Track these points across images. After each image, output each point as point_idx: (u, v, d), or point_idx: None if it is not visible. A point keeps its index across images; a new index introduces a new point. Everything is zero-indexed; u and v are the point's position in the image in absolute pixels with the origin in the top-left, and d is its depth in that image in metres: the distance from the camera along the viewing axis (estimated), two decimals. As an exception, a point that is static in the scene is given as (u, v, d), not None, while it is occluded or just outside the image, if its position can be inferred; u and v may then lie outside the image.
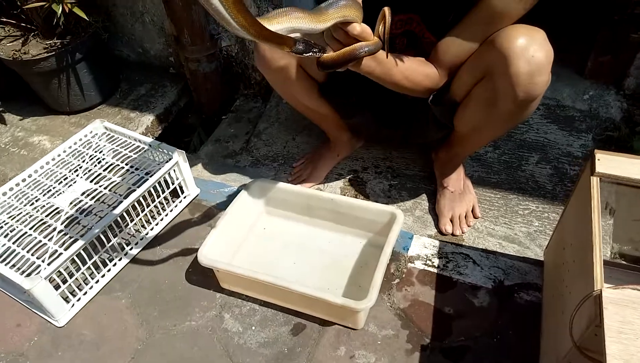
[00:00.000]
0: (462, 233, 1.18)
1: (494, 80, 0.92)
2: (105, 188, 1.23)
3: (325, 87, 1.13)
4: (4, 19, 1.56)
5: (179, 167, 1.25)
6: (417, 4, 0.99)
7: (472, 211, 1.22)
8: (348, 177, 1.36)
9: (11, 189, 1.21)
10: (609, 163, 0.81)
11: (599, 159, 0.81)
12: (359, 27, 0.77)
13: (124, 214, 1.14)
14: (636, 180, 0.78)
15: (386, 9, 0.82)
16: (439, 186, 1.25)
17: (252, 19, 0.63)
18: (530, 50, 0.86)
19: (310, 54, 0.74)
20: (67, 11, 1.34)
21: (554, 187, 1.26)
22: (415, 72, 0.99)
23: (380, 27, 0.83)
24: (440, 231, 1.20)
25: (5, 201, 1.19)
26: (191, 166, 1.43)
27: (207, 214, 1.30)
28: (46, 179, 1.25)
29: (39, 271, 1.00)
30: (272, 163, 1.44)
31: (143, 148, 1.31)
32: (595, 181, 0.80)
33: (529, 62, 0.86)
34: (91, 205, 1.19)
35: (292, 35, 0.73)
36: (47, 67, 1.50)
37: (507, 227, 1.18)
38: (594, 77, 1.45)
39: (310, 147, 1.46)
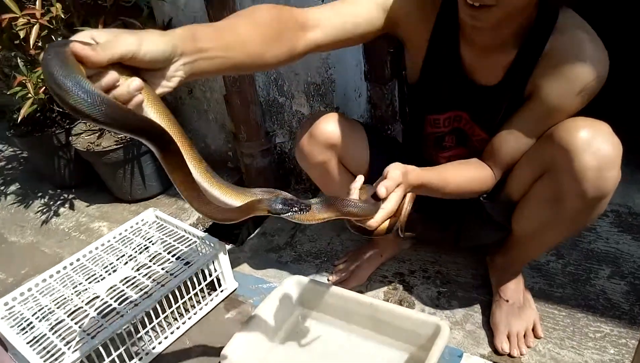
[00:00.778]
0: (521, 354, 1.03)
1: (557, 177, 0.86)
2: (144, 276, 1.23)
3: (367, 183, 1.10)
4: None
5: (218, 259, 1.23)
6: (466, 101, 0.97)
7: (533, 329, 1.07)
8: (393, 280, 1.27)
9: (58, 272, 1.24)
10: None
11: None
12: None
13: (157, 305, 1.12)
14: None
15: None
16: (494, 296, 1.13)
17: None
18: (596, 143, 0.80)
19: (290, 213, 0.70)
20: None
21: (632, 307, 1.08)
22: (468, 181, 0.96)
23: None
24: (495, 350, 1.05)
25: (50, 284, 1.23)
26: (234, 258, 1.41)
27: (242, 311, 1.25)
28: (92, 264, 1.29)
29: (62, 359, 0.98)
30: (314, 259, 1.39)
31: (189, 238, 1.32)
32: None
33: (595, 155, 0.79)
34: (127, 294, 1.19)
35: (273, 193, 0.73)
36: (114, 158, 1.62)
37: (575, 352, 1.01)
38: (672, 183, 1.31)
39: (355, 245, 1.40)
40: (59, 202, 1.85)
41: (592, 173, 0.80)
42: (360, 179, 0.84)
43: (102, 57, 0.51)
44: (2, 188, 2.02)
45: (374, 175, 1.08)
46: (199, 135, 1.94)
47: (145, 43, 0.55)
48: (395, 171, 0.82)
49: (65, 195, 1.89)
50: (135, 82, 0.53)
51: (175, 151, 0.60)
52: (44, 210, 1.82)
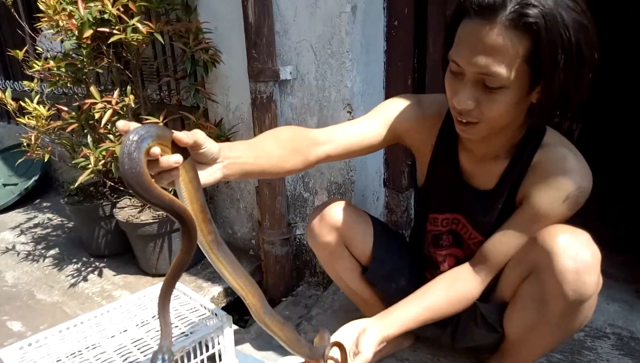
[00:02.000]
0: None
1: (541, 277, 0.91)
2: (152, 339, 1.29)
3: (368, 271, 1.18)
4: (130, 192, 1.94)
5: (222, 332, 1.29)
6: (464, 204, 1.08)
7: None
8: (390, 378, 1.26)
9: (75, 325, 1.32)
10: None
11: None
12: None
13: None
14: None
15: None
16: (489, 403, 1.11)
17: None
18: (574, 247, 0.87)
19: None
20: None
21: None
22: (452, 305, 1.02)
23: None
24: None
25: (65, 336, 1.30)
26: (238, 338, 1.46)
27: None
28: (108, 322, 1.36)
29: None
30: (316, 349, 1.41)
31: (200, 310, 1.40)
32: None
33: (574, 259, 0.86)
34: (134, 353, 1.25)
35: None
36: (148, 231, 1.78)
37: None
38: (677, 312, 1.30)
39: (358, 339, 1.42)
40: (89, 269, 1.99)
41: (571, 275, 0.86)
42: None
43: (189, 139, 0.69)
44: (43, 251, 2.19)
45: (375, 262, 1.17)
46: (228, 222, 2.09)
47: (209, 142, 0.74)
48: (368, 349, 0.94)
49: (97, 263, 2.03)
50: (177, 156, 0.67)
51: (191, 230, 0.72)
52: (75, 274, 1.95)
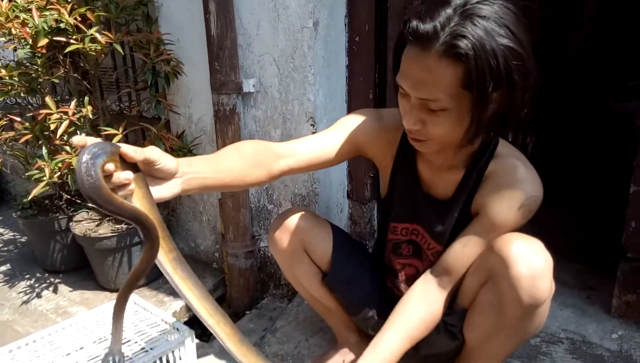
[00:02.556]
0: None
1: (498, 283, 0.95)
2: (110, 358, 1.25)
3: (328, 276, 1.19)
4: (90, 205, 1.89)
5: (184, 347, 1.27)
6: (422, 213, 1.11)
7: None
8: (354, 388, 1.28)
9: (27, 344, 1.27)
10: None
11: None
12: None
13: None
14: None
15: None
16: (451, 412, 1.14)
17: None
18: (528, 254, 0.91)
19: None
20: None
21: None
22: (425, 327, 1.05)
23: None
24: None
25: (16, 355, 1.25)
26: (202, 353, 1.43)
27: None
28: (63, 340, 1.32)
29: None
30: (280, 362, 1.41)
31: (162, 325, 1.37)
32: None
33: (528, 265, 0.90)
34: (91, 372, 1.21)
35: None
36: (107, 245, 1.73)
37: None
38: (622, 316, 1.38)
39: (322, 351, 1.43)
40: (43, 285, 1.91)
41: (526, 281, 0.90)
42: None
43: (138, 155, 0.73)
44: (-7, 267, 2.09)
45: (335, 267, 1.18)
46: (191, 235, 2.06)
47: (164, 158, 0.77)
48: None
49: (52, 279, 1.95)
50: (127, 173, 0.71)
51: (153, 237, 0.74)
52: (27, 291, 1.87)
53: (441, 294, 1.05)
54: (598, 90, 3.84)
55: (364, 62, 1.63)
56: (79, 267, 1.96)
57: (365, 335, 1.35)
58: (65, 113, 1.51)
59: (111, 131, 1.61)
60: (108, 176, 0.69)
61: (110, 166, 0.68)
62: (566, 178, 2.65)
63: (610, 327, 1.39)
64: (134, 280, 0.78)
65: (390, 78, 1.69)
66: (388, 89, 1.71)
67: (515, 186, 0.96)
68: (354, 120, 1.10)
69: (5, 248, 2.27)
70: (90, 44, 1.50)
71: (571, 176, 2.71)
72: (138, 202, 0.74)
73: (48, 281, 1.94)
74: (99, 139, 0.71)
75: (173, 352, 1.25)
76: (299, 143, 1.06)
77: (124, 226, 1.79)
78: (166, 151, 1.70)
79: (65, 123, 1.49)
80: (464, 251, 1.03)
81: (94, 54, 1.54)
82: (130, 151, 0.72)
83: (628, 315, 1.37)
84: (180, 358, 1.27)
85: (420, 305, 1.04)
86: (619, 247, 1.38)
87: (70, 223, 1.85)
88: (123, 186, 0.71)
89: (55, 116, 1.50)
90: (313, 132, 1.60)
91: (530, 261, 0.90)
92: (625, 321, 1.38)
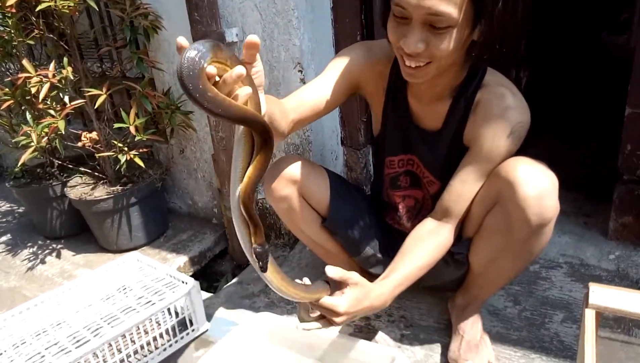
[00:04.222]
0: (476, 390, 1.06)
1: (505, 207, 0.96)
2: (121, 312, 1.28)
3: (327, 220, 1.20)
4: (83, 169, 1.87)
5: (191, 297, 1.29)
6: (415, 145, 1.11)
7: (488, 367, 1.11)
8: (359, 324, 1.31)
9: (35, 305, 1.29)
10: (604, 295, 0.76)
11: (593, 292, 0.77)
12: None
13: (127, 336, 1.16)
14: (631, 312, 0.72)
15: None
16: (454, 333, 1.18)
17: None
18: (535, 175, 0.92)
19: (253, 261, 0.77)
20: (129, 159, 1.60)
21: (582, 348, 1.13)
22: (432, 258, 1.04)
23: None
24: None
25: (26, 317, 1.27)
26: (209, 304, 1.46)
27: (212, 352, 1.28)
28: (70, 299, 1.34)
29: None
30: (286, 305, 1.44)
31: (167, 279, 1.38)
32: (589, 313, 0.75)
33: (535, 186, 0.91)
34: (103, 327, 1.23)
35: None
36: (104, 207, 1.73)
37: (527, 388, 1.05)
38: (619, 238, 1.41)
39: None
40: (46, 251, 1.92)
41: (533, 200, 0.91)
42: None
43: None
44: (-7, 238, 2.10)
45: (333, 210, 1.19)
46: (188, 193, 2.06)
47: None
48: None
49: (54, 245, 1.96)
50: (240, 68, 0.61)
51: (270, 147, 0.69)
52: (31, 258, 1.88)
53: (448, 229, 1.06)
54: (591, 23, 3.77)
55: (350, 4, 1.58)
56: (79, 232, 1.97)
57: (367, 275, 1.37)
58: (45, 76, 1.46)
59: (95, 91, 1.57)
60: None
61: (212, 70, 0.59)
62: (560, 109, 2.64)
63: (607, 249, 1.43)
64: (253, 189, 0.71)
65: (377, 18, 1.64)
66: (376, 30, 1.66)
67: (503, 114, 0.96)
68: (345, 57, 1.08)
69: (4, 219, 2.27)
70: (61, 2, 1.43)
71: (565, 108, 2.70)
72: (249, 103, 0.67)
73: (50, 247, 1.95)
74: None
75: (179, 303, 1.27)
76: (301, 93, 1.06)
77: (119, 188, 1.78)
78: (153, 109, 1.67)
79: (46, 86, 1.45)
80: (463, 188, 1.03)
81: (67, 11, 1.47)
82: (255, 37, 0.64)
83: (624, 237, 1.40)
84: (188, 309, 1.30)
85: (428, 239, 1.05)
86: (613, 175, 1.39)
87: (65, 189, 1.83)
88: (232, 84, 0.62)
89: (35, 79, 1.45)
90: (301, 79, 1.57)
91: (537, 182, 0.92)
92: (622, 242, 1.42)
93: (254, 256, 0.75)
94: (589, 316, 0.74)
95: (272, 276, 0.84)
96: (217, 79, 0.62)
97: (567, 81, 3.01)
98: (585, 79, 3.12)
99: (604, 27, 4.26)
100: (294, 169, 1.13)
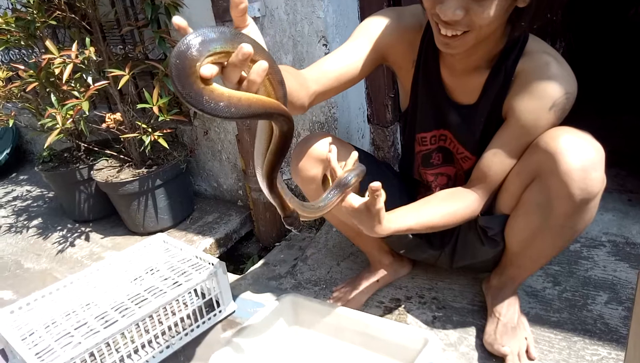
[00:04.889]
0: (515, 373, 1.01)
1: (545, 181, 0.89)
2: (148, 293, 1.27)
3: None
4: (109, 152, 1.87)
5: (217, 278, 1.27)
6: (448, 120, 1.04)
7: (527, 351, 1.05)
8: (389, 306, 1.27)
9: (65, 286, 1.30)
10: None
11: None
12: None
13: (154, 317, 1.15)
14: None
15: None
16: (489, 315, 1.12)
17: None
18: (579, 145, 0.85)
19: (291, 229, 0.83)
20: (153, 140, 1.58)
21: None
22: (452, 214, 0.98)
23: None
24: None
25: (56, 297, 1.28)
26: (235, 285, 1.45)
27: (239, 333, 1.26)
28: (99, 280, 1.34)
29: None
30: (313, 287, 1.41)
31: (192, 260, 1.37)
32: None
33: (579, 157, 0.84)
34: (130, 307, 1.23)
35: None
36: (130, 189, 1.72)
37: (570, 372, 0.99)
38: (668, 214, 1.32)
39: (354, 273, 1.42)
40: (75, 234, 1.95)
41: (577, 173, 0.84)
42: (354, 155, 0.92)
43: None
44: (25, 222, 2.13)
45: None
46: (212, 175, 2.04)
47: None
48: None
49: (83, 228, 1.98)
50: (247, 47, 0.52)
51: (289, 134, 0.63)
52: (61, 241, 1.91)
53: (471, 194, 1.00)
54: (618, 2, 3.57)
55: (376, -29, 1.50)
56: (107, 215, 1.99)
57: (397, 257, 1.33)
58: (68, 57, 1.45)
59: (118, 72, 1.55)
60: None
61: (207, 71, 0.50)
62: (597, 84, 2.51)
63: (655, 227, 1.34)
64: (272, 173, 0.68)
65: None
66: (404, 2, 1.58)
67: (546, 84, 0.88)
68: (373, 23, 1.01)
69: (35, 204, 2.31)
70: (82, -20, 1.42)
71: (601, 83, 2.56)
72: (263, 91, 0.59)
73: (79, 230, 1.97)
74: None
75: (206, 284, 1.26)
76: (324, 62, 0.98)
77: (145, 170, 1.77)
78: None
79: (69, 67, 1.44)
80: (495, 160, 0.97)
81: (88, -9, 1.45)
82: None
83: (673, 213, 1.31)
84: (215, 290, 1.28)
85: (447, 194, 1.01)
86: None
87: (92, 172, 1.84)
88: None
89: (59, 60, 1.44)
90: (326, 53, 1.51)
91: (582, 153, 0.84)
92: (670, 219, 1.33)
93: (287, 226, 0.81)
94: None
95: (303, 215, 0.84)
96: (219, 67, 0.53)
97: (602, 55, 2.86)
98: (619, 54, 2.96)
99: (632, 5, 4.06)
100: (322, 147, 1.08)
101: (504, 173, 0.98)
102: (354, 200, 0.88)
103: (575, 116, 0.92)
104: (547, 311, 1.16)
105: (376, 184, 0.82)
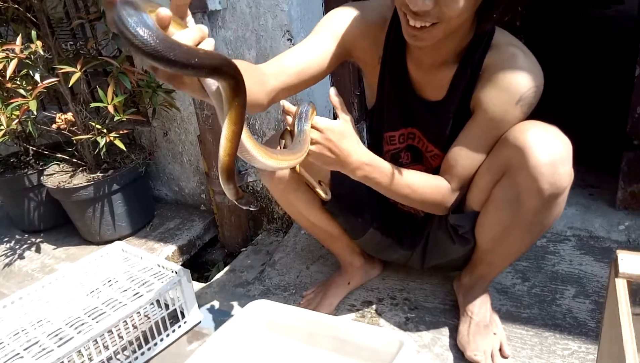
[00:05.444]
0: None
1: (514, 177, 0.88)
2: (107, 306, 1.19)
3: (330, 203, 1.11)
4: (60, 156, 1.75)
5: (181, 287, 1.20)
6: (416, 117, 1.02)
7: (500, 349, 1.05)
8: (361, 308, 1.24)
9: (12, 302, 1.20)
10: (636, 263, 0.69)
11: (622, 259, 0.70)
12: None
13: (113, 331, 1.07)
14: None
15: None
16: (462, 314, 1.11)
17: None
18: (547, 140, 0.85)
19: (249, 207, 0.75)
20: (108, 142, 1.49)
21: (598, 324, 1.07)
22: (422, 183, 0.98)
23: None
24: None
25: (4, 315, 1.17)
26: (201, 294, 1.38)
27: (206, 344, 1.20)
28: (51, 295, 1.24)
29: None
30: (282, 292, 1.37)
31: (155, 269, 1.30)
32: (620, 283, 0.67)
33: (548, 151, 0.84)
34: (88, 324, 1.14)
35: None
36: (84, 195, 1.62)
37: (543, 369, 0.99)
38: (628, 207, 1.36)
39: (324, 277, 1.38)
40: (25, 246, 1.81)
41: (546, 168, 0.84)
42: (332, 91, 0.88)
43: None
44: (-33, 233, 1.97)
45: (335, 184, 1.10)
46: (173, 178, 1.96)
47: None
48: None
49: (33, 239, 1.85)
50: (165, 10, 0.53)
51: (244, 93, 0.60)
52: (8, 254, 1.78)
53: (447, 184, 0.99)
54: (570, 3, 3.72)
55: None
56: (60, 224, 1.86)
57: (368, 258, 1.30)
58: (12, 51, 1.34)
59: (68, 68, 1.45)
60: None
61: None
62: (554, 83, 2.58)
63: (616, 220, 1.37)
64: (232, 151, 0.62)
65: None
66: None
67: (513, 77, 0.87)
68: (336, 17, 0.98)
69: (-22, 214, 2.14)
70: (26, -30, 1.31)
71: (558, 81, 2.64)
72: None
73: (29, 241, 1.84)
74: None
75: (169, 293, 1.19)
76: (284, 57, 0.93)
77: (100, 175, 1.67)
78: (133, 87, 1.56)
79: (13, 62, 1.33)
80: (461, 153, 0.96)
81: (33, -19, 1.35)
82: None
83: (634, 206, 1.35)
84: (179, 300, 1.21)
85: (429, 175, 1.00)
86: (613, 145, 1.33)
87: (42, 178, 1.72)
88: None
89: (1, 54, 1.33)
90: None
91: (550, 147, 0.84)
92: (631, 212, 1.36)
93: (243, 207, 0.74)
94: (621, 287, 0.67)
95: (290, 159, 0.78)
96: None
97: (558, 54, 2.96)
98: (575, 52, 3.07)
99: (590, 1, 4.22)
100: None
101: (472, 167, 0.96)
102: (325, 120, 0.84)
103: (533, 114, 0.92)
104: (518, 307, 1.16)
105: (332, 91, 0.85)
